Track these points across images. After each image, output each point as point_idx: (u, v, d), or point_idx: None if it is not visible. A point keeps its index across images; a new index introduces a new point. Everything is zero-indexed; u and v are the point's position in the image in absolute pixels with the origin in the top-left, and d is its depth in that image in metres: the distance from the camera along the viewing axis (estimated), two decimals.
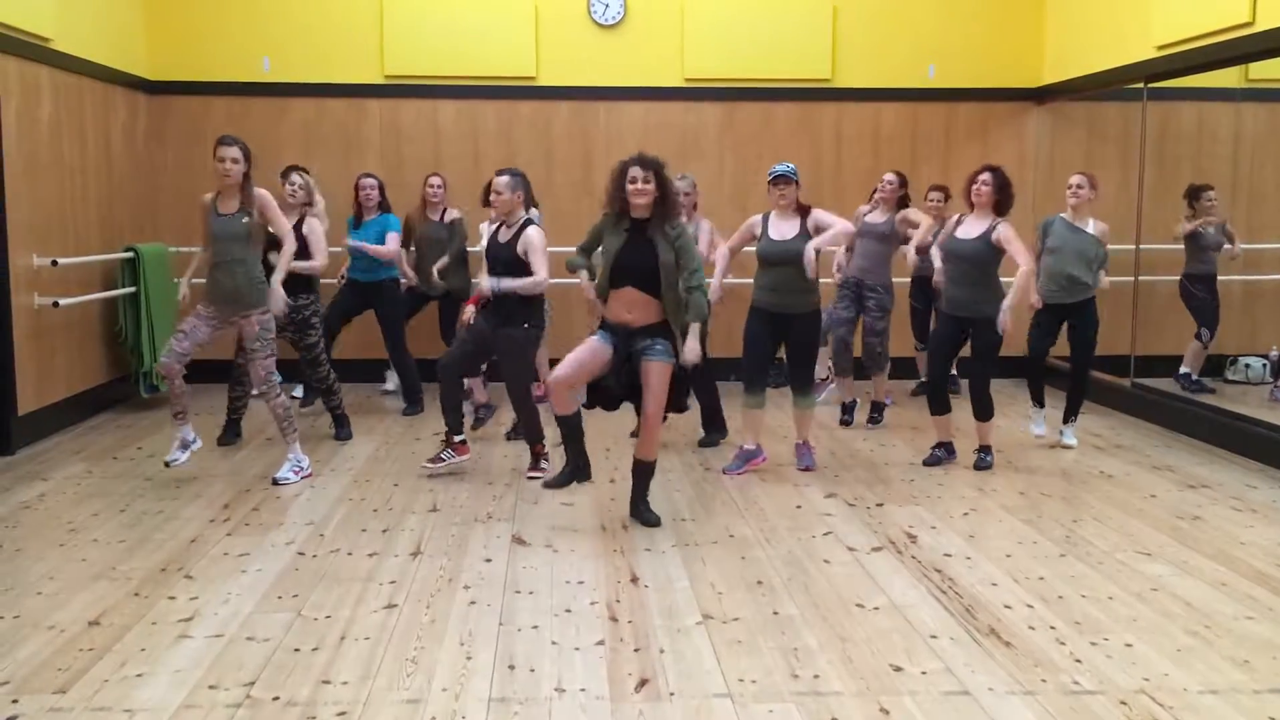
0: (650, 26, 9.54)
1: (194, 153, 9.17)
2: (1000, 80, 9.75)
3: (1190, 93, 8.49)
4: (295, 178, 7.33)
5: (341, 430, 7.43)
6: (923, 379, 8.97)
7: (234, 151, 6.05)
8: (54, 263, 7.38)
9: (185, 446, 6.21)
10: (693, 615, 4.32)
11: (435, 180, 8.50)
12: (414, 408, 8.24)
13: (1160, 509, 5.86)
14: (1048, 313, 7.10)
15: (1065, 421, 7.29)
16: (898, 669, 3.84)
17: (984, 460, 6.63)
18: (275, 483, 6.18)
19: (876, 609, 4.41)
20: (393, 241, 8.06)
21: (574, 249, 5.82)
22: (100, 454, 7.00)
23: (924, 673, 3.81)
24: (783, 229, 6.34)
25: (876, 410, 7.92)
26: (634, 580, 4.74)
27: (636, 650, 3.99)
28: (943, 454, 6.74)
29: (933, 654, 3.97)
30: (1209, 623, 4.27)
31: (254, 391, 6.64)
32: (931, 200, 8.42)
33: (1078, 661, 3.90)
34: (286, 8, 9.36)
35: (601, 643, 4.06)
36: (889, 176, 7.84)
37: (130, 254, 8.41)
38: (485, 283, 6.26)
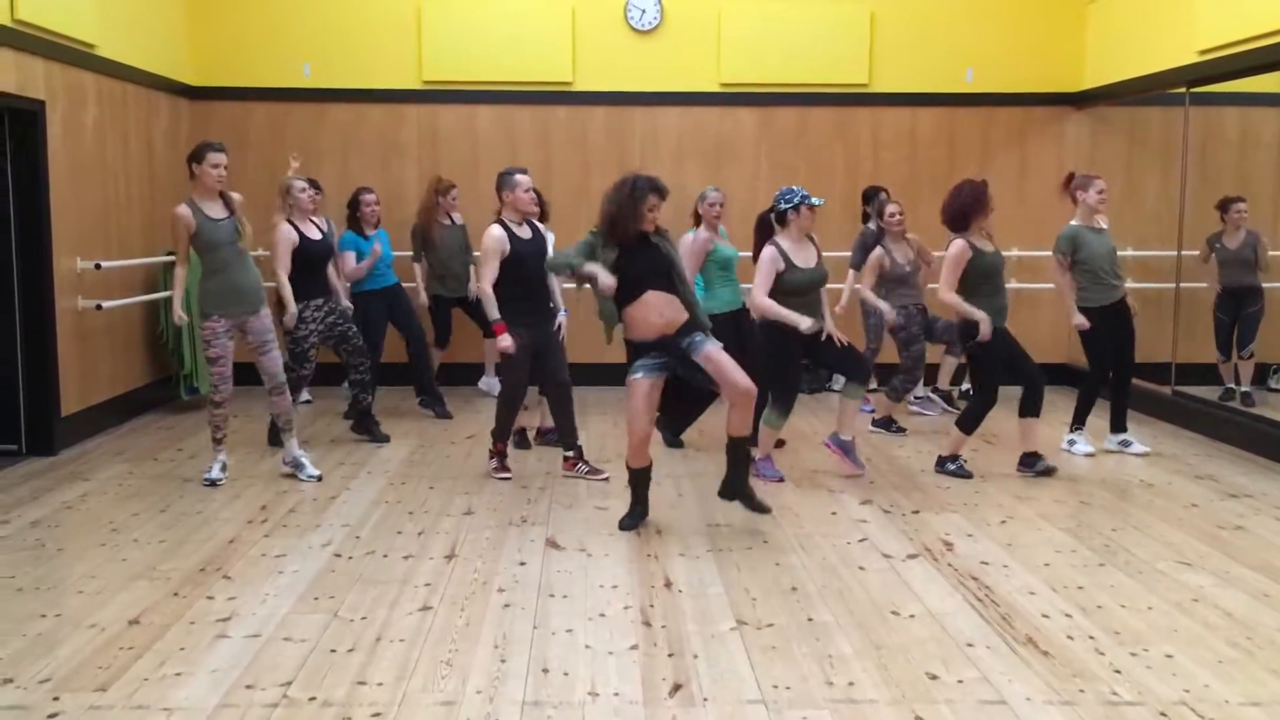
0: (686, 31, 9.55)
1: (236, 157, 9.19)
2: (1039, 85, 9.67)
3: (1233, 97, 8.38)
4: (303, 183, 7.19)
5: (374, 431, 7.46)
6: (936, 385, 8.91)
7: (225, 158, 6.18)
8: (97, 266, 7.49)
9: (224, 468, 6.40)
10: (727, 621, 4.32)
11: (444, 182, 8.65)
12: (441, 407, 8.35)
13: (1201, 518, 5.79)
14: (1100, 317, 6.95)
15: (1122, 430, 7.22)
16: (934, 677, 3.81)
17: (1051, 465, 6.62)
18: (288, 464, 6.50)
19: (912, 617, 4.38)
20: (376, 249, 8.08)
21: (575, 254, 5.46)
22: (141, 455, 7.09)
23: (960, 681, 3.78)
24: (804, 256, 6.29)
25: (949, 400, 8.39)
26: (668, 585, 4.73)
27: (670, 655, 3.99)
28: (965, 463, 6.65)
29: (969, 663, 3.94)
30: (1251, 634, 4.21)
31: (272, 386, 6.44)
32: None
33: (1117, 672, 3.86)
34: (327, 14, 9.45)
35: (635, 647, 4.06)
36: (894, 209, 7.87)
37: (172, 257, 8.48)
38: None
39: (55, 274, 7.08)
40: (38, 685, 3.71)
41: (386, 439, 7.44)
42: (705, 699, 3.64)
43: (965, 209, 6.39)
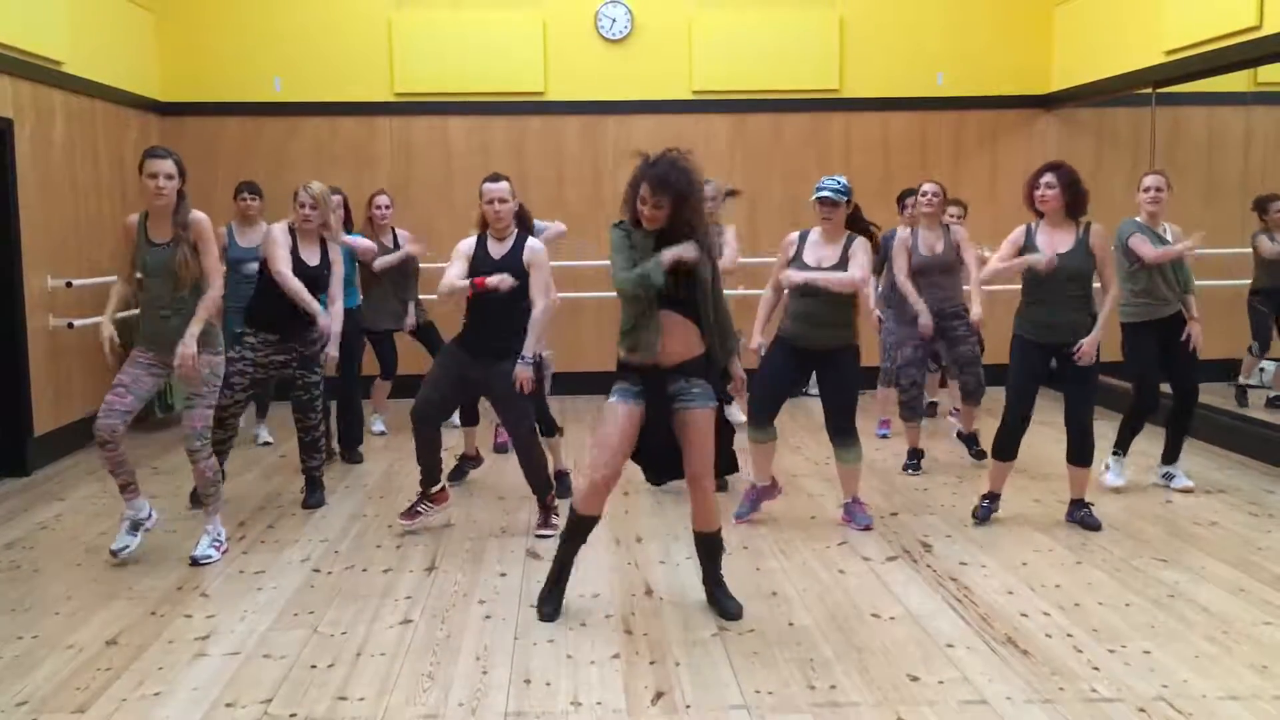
0: (658, 40, 9.58)
1: (206, 173, 9.20)
2: (1009, 87, 9.75)
3: (1199, 97, 8.47)
4: (303, 195, 6.00)
5: (313, 495, 6.17)
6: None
7: (167, 165, 4.93)
8: (68, 284, 7.43)
9: (136, 528, 5.20)
10: (708, 627, 4.32)
11: (383, 200, 7.63)
12: (355, 456, 7.28)
13: (1177, 514, 5.83)
14: (1150, 333, 6.16)
15: (1172, 460, 6.40)
16: (915, 679, 3.83)
17: (1091, 517, 5.62)
18: (195, 562, 5.13)
19: (892, 619, 4.40)
20: (367, 243, 7.18)
21: (618, 268, 4.34)
22: None
23: (941, 682, 3.80)
24: (821, 253, 5.52)
25: (973, 442, 7.04)
26: (649, 593, 4.73)
27: (652, 663, 3.99)
28: (993, 506, 5.75)
29: (950, 663, 3.96)
30: (1227, 629, 4.25)
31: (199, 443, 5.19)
32: (952, 216, 7.60)
33: (1096, 669, 3.89)
34: (297, 27, 9.42)
35: (617, 656, 4.06)
36: (930, 188, 6.89)
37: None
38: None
39: (26, 292, 7.02)
40: (15, 708, 3.68)
41: (317, 505, 6.17)
42: (688, 706, 3.65)
43: (1025, 193, 5.58)
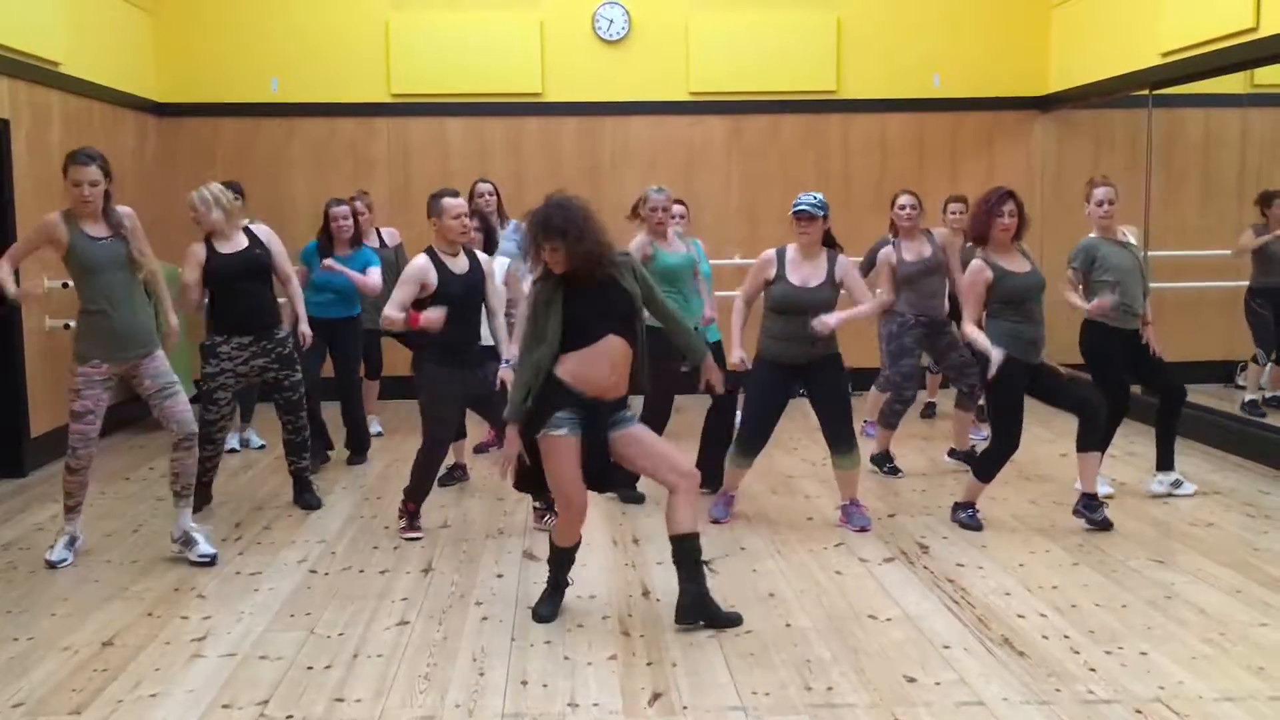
0: (655, 41, 9.58)
1: (204, 174, 9.14)
2: (1006, 89, 9.76)
3: (1196, 99, 8.49)
4: (193, 195, 5.80)
5: (302, 495, 6.16)
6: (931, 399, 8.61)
7: (92, 173, 4.90)
8: (65, 285, 7.41)
9: (73, 543, 5.26)
10: (705, 629, 4.32)
11: (359, 207, 7.51)
12: (361, 458, 7.32)
13: (1173, 516, 5.84)
14: (1117, 338, 6.05)
15: (1168, 465, 6.27)
16: (911, 680, 3.83)
17: (1105, 519, 5.59)
18: (193, 562, 5.16)
19: (889, 620, 4.40)
20: (375, 275, 6.94)
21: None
22: (112, 475, 7.02)
23: (938, 684, 3.80)
24: (805, 272, 5.46)
25: (971, 458, 6.50)
26: (645, 594, 4.74)
27: (649, 664, 3.99)
28: (975, 512, 5.70)
29: (946, 665, 3.96)
30: (1224, 630, 4.25)
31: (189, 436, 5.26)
32: (953, 213, 7.55)
33: (1092, 670, 3.89)
34: (294, 28, 9.42)
35: (614, 657, 4.06)
36: (906, 200, 6.71)
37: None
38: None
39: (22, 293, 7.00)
40: (11, 709, 3.68)
41: (315, 506, 6.16)
42: (685, 707, 3.65)
43: (978, 220, 5.50)
